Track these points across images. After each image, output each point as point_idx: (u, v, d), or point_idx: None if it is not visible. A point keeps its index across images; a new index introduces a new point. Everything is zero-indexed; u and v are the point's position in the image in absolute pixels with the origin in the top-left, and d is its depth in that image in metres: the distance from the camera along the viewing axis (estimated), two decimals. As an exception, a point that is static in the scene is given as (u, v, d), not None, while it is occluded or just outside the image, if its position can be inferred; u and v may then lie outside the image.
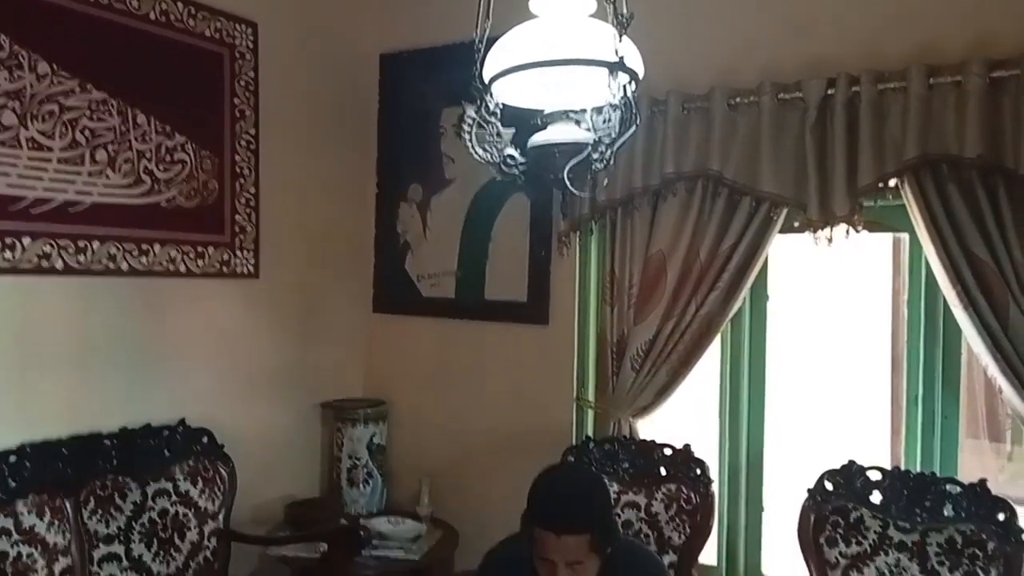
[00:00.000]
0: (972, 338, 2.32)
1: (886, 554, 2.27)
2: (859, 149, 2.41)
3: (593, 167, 1.40)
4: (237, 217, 3.04)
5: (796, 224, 2.57)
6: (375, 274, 3.61)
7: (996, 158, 2.25)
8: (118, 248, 2.66)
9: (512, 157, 1.47)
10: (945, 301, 2.43)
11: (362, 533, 2.72)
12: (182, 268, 2.86)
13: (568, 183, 1.41)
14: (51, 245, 2.48)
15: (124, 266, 2.68)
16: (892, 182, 2.41)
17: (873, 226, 2.50)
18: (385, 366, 3.61)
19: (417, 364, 3.52)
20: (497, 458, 3.22)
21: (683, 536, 2.59)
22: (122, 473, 2.63)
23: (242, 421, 3.10)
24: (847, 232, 2.46)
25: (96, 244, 2.60)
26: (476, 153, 1.46)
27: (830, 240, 2.49)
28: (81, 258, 2.56)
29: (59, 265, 2.51)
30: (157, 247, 2.78)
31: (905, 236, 2.60)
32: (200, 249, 2.91)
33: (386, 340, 3.61)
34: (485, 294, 3.29)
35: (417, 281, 3.50)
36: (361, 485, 3.36)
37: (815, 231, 2.50)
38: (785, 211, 2.58)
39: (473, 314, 3.32)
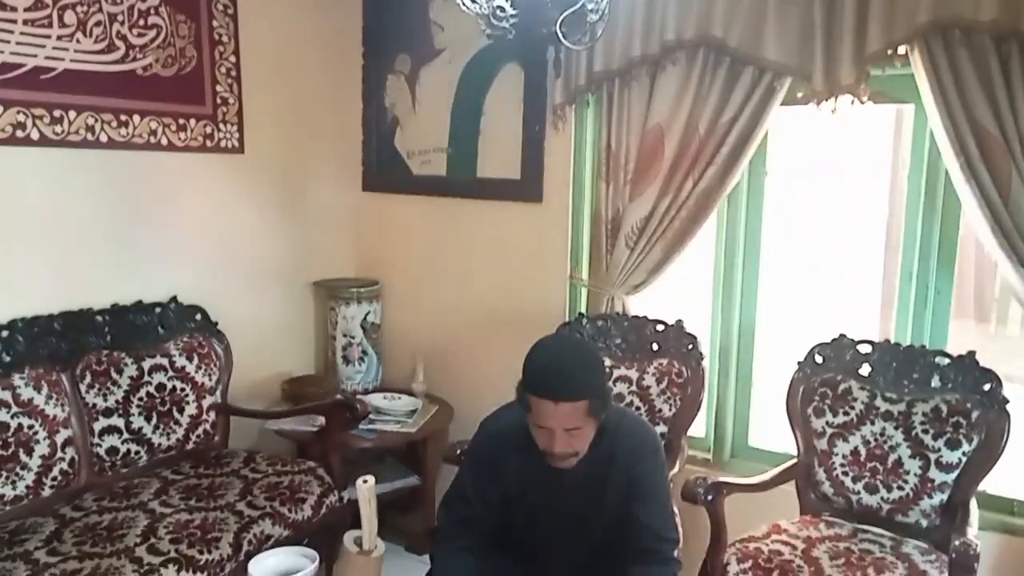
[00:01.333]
0: (972, 212, 2.28)
1: (872, 423, 2.32)
2: (869, 13, 2.29)
3: (588, 19, 1.31)
4: (218, 88, 2.92)
5: (799, 95, 2.48)
6: (364, 151, 3.52)
7: (1012, 23, 2.14)
8: (96, 119, 2.57)
9: (502, 8, 1.37)
10: (946, 175, 2.38)
11: (358, 407, 2.75)
12: (164, 141, 2.78)
13: (561, 36, 1.33)
14: (25, 114, 2.39)
15: (103, 138, 2.60)
16: (901, 49, 2.30)
17: (878, 97, 2.41)
18: (377, 245, 3.58)
19: (409, 243, 3.49)
20: (491, 336, 3.24)
21: (673, 408, 2.64)
22: (116, 348, 2.65)
23: (234, 299, 3.10)
24: (852, 102, 2.37)
25: (72, 114, 2.50)
26: (464, 4, 1.36)
27: (834, 111, 2.40)
28: (58, 128, 2.47)
29: (35, 136, 2.43)
30: (136, 118, 2.68)
31: (909, 108, 2.52)
32: (181, 121, 2.82)
33: (377, 219, 3.56)
34: (477, 171, 3.21)
35: (407, 158, 3.41)
36: (356, 363, 3.40)
37: (819, 102, 2.41)
38: (788, 81, 2.48)
39: (465, 192, 3.25)
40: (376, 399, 3.19)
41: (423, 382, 3.34)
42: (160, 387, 2.69)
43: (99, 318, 2.65)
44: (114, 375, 2.60)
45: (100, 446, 2.54)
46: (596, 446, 1.84)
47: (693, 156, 2.64)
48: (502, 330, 3.17)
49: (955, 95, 2.23)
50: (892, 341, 2.42)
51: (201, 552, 2.22)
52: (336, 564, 1.63)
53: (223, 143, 2.98)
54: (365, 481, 1.54)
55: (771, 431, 2.86)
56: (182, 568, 2.16)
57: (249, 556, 2.35)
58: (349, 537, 1.61)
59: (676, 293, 3.01)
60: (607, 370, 2.65)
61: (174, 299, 2.86)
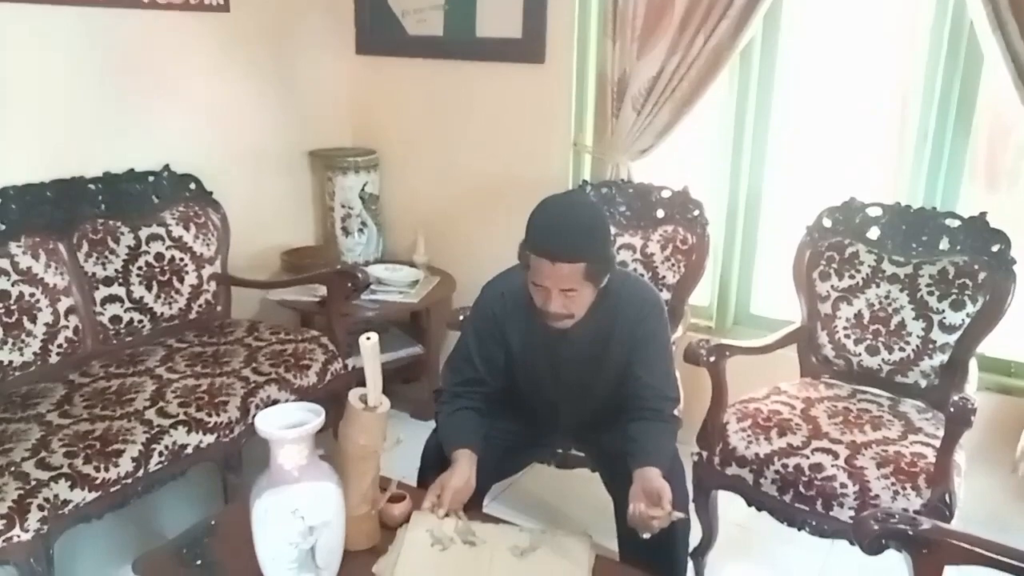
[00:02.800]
0: (996, 64, 2.18)
1: (877, 286, 2.30)
2: None
3: None
4: (197, -63, 2.74)
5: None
6: (356, 10, 3.33)
7: None
8: (70, -29, 2.42)
9: None
10: (970, 29, 2.27)
11: (359, 276, 2.73)
12: (144, -1, 2.63)
13: None
14: (-7, -35, 2.25)
15: (80, -7, 2.46)
16: None
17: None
18: (373, 113, 3.46)
19: (406, 110, 3.37)
20: (492, 206, 3.18)
21: (677, 275, 2.62)
22: (111, 217, 2.61)
23: (228, 168, 3.03)
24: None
25: (44, -34, 2.36)
26: None
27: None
28: (30, -18, 2.33)
29: (6, -11, 2.29)
30: (114, -28, 2.53)
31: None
32: (161, -25, 2.66)
33: (372, 84, 3.42)
34: (476, 30, 3.05)
35: (402, 17, 3.23)
36: (356, 234, 3.36)
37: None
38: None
39: (464, 54, 3.10)
40: (377, 270, 3.17)
41: (424, 253, 3.32)
42: (159, 257, 2.67)
43: (92, 186, 2.59)
44: (111, 244, 2.57)
45: (103, 315, 2.54)
46: (598, 308, 1.83)
47: (705, 9, 2.49)
48: (503, 199, 3.11)
49: (988, -64, 2.08)
50: (903, 204, 2.37)
51: (209, 415, 2.26)
52: (341, 422, 1.64)
53: (207, 0, 2.82)
54: (368, 338, 1.53)
55: (774, 300, 2.86)
56: (192, 430, 2.21)
57: (257, 419, 2.41)
58: (354, 394, 1.62)
59: (682, 159, 2.92)
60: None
61: (167, 168, 2.79)
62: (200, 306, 2.79)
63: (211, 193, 2.87)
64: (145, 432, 2.12)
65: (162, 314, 2.68)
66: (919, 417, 2.19)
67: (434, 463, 1.93)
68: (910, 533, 1.31)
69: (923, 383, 2.26)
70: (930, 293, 2.23)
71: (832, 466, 1.98)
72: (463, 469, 1.78)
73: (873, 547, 1.33)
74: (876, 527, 1.32)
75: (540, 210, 1.75)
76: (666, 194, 2.69)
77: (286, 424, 1.45)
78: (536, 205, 1.76)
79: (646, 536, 1.62)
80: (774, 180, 2.79)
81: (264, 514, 1.43)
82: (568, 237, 1.69)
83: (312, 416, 1.47)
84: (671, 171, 2.84)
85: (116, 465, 2.02)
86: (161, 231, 2.69)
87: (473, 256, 3.19)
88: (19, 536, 1.81)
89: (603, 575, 1.60)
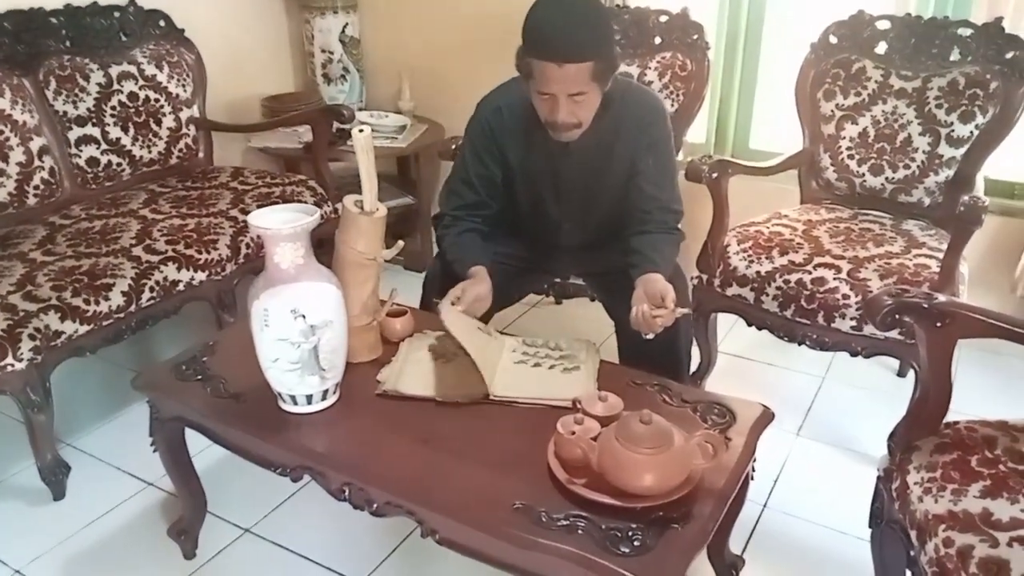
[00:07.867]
0: None
1: (884, 102, 2.22)
2: None
3: None
4: None
5: None
6: None
7: None
8: None
9: None
10: None
11: (345, 113, 2.61)
12: None
13: None
14: None
15: None
16: None
17: None
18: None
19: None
20: (479, 49, 3.01)
21: (676, 105, 2.52)
22: (78, 54, 2.47)
23: (197, 4, 2.84)
24: None
25: None
26: None
27: None
28: None
29: None
30: None
31: None
32: None
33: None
34: None
35: None
36: (338, 81, 3.21)
37: None
38: None
39: None
40: (363, 116, 3.04)
41: (410, 99, 3.18)
42: (132, 96, 2.54)
43: (53, 20, 2.43)
44: (80, 81, 2.43)
45: (79, 156, 2.44)
46: (601, 117, 1.73)
47: None
48: (490, 42, 2.92)
49: None
50: (913, 14, 2.26)
51: (199, 252, 2.20)
52: (338, 230, 1.58)
53: None
54: (361, 130, 1.45)
55: (774, 135, 2.77)
56: (182, 267, 2.16)
57: (248, 259, 2.36)
58: (349, 199, 1.55)
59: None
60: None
61: (132, 2, 2.61)
62: (180, 151, 2.68)
63: (183, 31, 2.71)
64: (134, 268, 2.07)
65: (141, 158, 2.58)
66: (922, 234, 2.16)
67: (440, 290, 1.88)
68: (925, 306, 1.28)
69: (927, 201, 2.22)
70: (938, 106, 2.15)
71: (834, 279, 1.96)
72: (482, 279, 1.74)
73: (885, 323, 1.31)
74: (890, 301, 1.29)
75: (537, 10, 1.62)
76: (664, 19, 2.55)
77: (280, 222, 1.39)
78: (531, 6, 1.63)
79: (649, 337, 1.60)
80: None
81: (263, 314, 1.39)
82: (573, 34, 1.57)
83: (305, 216, 1.41)
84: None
85: (106, 299, 1.98)
86: (132, 69, 2.55)
87: (460, 102, 3.00)
88: (12, 365, 1.79)
89: (607, 377, 1.58)
